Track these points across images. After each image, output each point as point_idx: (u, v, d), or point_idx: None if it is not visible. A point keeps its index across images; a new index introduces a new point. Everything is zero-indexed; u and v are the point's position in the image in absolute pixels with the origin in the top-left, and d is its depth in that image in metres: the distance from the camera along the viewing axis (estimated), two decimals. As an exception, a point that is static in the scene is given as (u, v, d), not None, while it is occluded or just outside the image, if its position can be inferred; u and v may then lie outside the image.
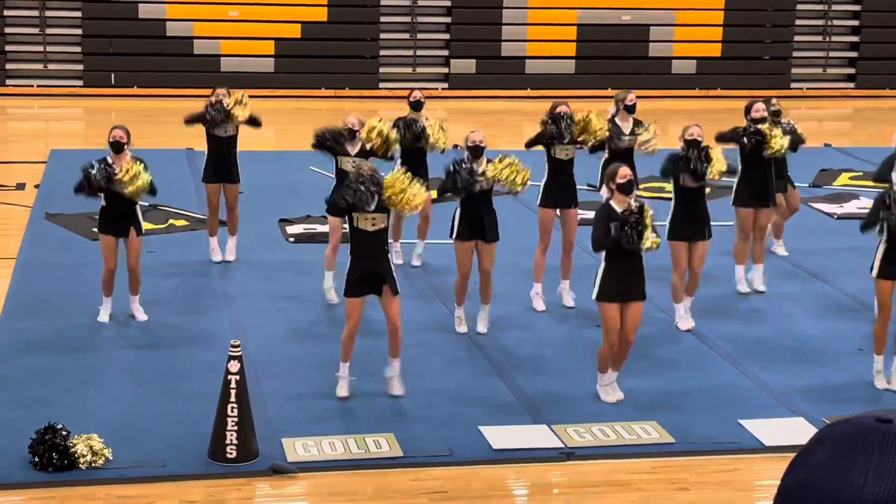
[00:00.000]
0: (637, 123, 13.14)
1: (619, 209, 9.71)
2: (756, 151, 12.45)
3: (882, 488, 1.53)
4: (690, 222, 11.46)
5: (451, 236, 11.42)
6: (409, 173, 10.10)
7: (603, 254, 9.88)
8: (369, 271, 9.76)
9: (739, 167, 12.52)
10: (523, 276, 12.88)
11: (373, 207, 9.67)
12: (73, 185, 11.46)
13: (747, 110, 12.78)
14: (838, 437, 1.61)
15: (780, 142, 12.43)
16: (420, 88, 14.06)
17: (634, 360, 10.40)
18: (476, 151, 11.16)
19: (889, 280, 10.25)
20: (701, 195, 11.57)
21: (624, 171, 9.86)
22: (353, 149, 12.11)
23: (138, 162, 11.28)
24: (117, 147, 11.32)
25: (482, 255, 11.29)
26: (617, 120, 13.12)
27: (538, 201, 12.21)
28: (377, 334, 10.87)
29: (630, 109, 13.15)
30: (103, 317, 11.60)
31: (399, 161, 13.34)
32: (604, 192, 10.13)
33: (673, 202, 11.62)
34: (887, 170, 12.44)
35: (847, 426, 1.62)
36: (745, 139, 12.47)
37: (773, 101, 13.64)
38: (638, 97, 13.38)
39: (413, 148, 13.00)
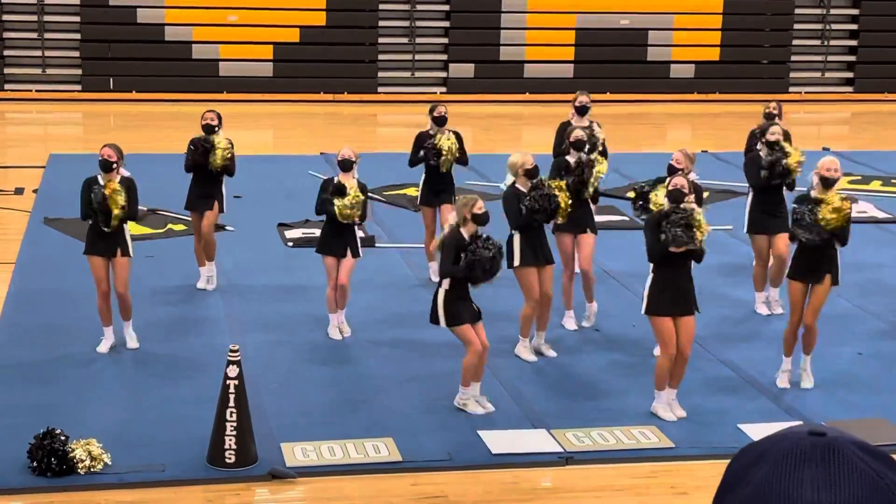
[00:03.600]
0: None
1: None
2: (772, 177, 12.10)
3: (836, 499, 1.61)
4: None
5: (509, 265, 10.82)
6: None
7: (651, 266, 9.82)
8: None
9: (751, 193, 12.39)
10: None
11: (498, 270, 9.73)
12: (81, 214, 11.05)
13: (762, 133, 12.40)
14: (778, 454, 1.67)
15: (795, 162, 12.14)
16: (443, 102, 13.92)
17: (633, 362, 10.39)
18: (533, 173, 10.96)
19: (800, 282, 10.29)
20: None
21: (677, 181, 9.78)
22: (350, 183, 11.69)
23: (122, 190, 10.79)
24: (106, 166, 11.02)
25: (542, 279, 10.98)
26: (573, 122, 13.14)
27: (552, 227, 11.69)
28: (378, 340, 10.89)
29: (581, 111, 13.16)
30: (103, 347, 11.03)
31: (423, 176, 13.12)
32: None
33: None
34: None
35: (784, 443, 1.68)
36: (764, 172, 12.09)
37: (772, 104, 13.59)
38: (636, 101, 13.39)
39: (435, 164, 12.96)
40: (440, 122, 13.05)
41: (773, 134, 12.24)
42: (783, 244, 12.20)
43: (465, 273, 9.62)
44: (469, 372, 9.85)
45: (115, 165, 10.88)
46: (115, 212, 10.69)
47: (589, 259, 11.83)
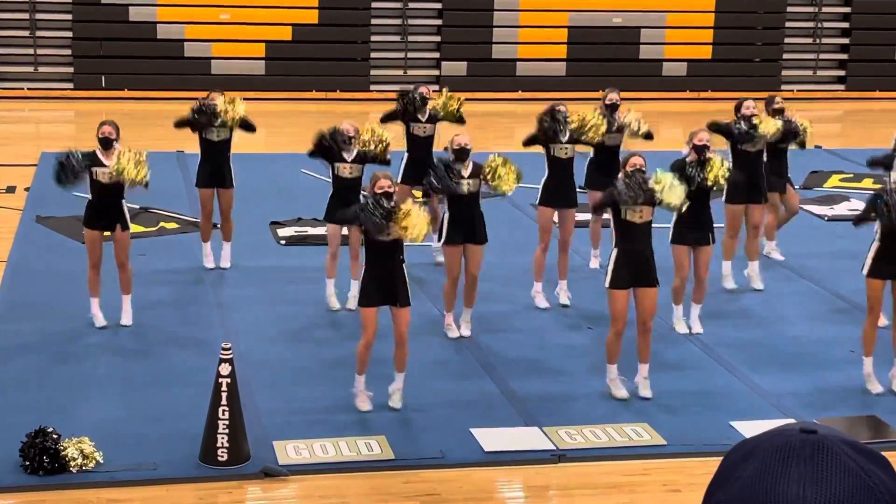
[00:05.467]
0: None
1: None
2: (747, 144, 12.59)
3: (822, 496, 1.62)
4: (693, 227, 11.36)
5: (439, 240, 11.42)
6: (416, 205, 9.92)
7: (613, 241, 9.95)
8: (384, 282, 9.61)
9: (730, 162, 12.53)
10: (516, 277, 12.89)
11: (388, 235, 9.48)
12: (53, 175, 11.33)
13: (737, 108, 12.88)
14: (768, 450, 1.68)
15: (769, 128, 12.55)
16: (424, 83, 14.06)
17: (626, 361, 10.39)
18: (461, 154, 11.14)
19: (880, 279, 10.26)
20: (705, 200, 11.43)
21: (636, 160, 9.92)
22: (350, 155, 11.98)
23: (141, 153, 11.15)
24: (106, 143, 11.26)
25: (470, 258, 11.26)
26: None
27: (537, 200, 12.26)
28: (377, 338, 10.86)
29: (612, 108, 13.09)
30: (99, 320, 11.38)
31: (404, 162, 13.19)
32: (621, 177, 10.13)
33: None
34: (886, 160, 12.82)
35: (775, 439, 1.69)
36: (736, 130, 12.61)
37: (777, 99, 13.69)
38: (629, 99, 13.40)
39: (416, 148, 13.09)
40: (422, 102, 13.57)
41: (749, 108, 12.75)
42: (758, 214, 12.81)
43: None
44: (357, 359, 9.76)
45: (115, 143, 11.24)
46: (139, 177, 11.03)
47: (570, 234, 12.18)
